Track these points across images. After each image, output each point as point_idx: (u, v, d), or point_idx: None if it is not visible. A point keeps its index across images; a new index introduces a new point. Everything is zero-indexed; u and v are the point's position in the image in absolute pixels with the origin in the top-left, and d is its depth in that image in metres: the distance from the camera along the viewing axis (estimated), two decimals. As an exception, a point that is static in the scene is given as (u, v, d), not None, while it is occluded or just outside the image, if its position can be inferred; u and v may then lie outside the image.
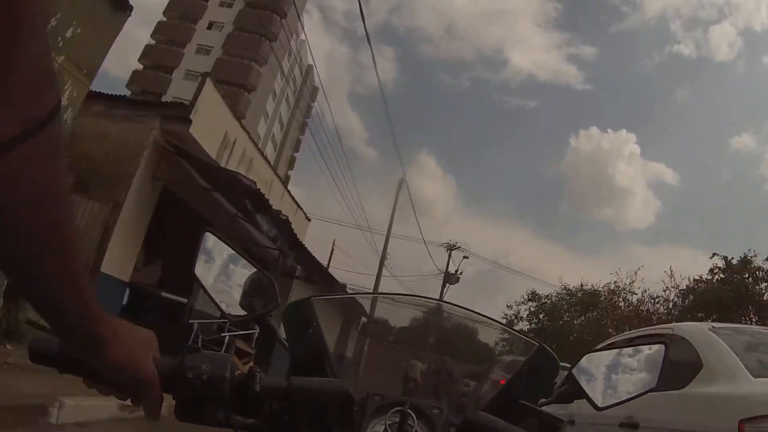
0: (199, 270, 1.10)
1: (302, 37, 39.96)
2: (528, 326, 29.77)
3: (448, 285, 31.75)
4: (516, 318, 30.76)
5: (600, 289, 28.32)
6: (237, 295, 1.13)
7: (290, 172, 55.48)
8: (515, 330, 1.30)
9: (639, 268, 28.43)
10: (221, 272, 1.14)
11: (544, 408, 1.09)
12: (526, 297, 31.57)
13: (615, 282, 27.52)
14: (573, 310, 29.31)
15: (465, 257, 32.49)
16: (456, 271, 32.10)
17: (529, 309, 31.16)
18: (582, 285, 29.37)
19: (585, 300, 28.42)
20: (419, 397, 1.00)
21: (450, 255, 32.47)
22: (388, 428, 0.92)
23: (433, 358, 1.37)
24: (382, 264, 26.97)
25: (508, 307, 32.03)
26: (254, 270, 1.15)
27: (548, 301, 30.77)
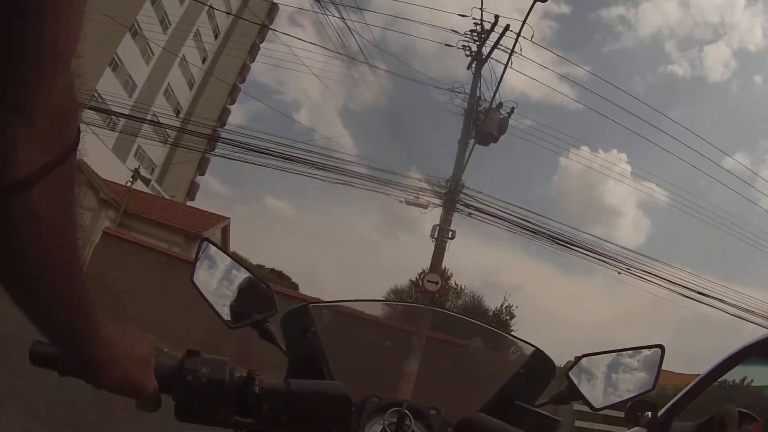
0: (198, 278, 1.12)
1: None
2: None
3: (474, 142, 13.12)
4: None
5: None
6: (235, 302, 1.14)
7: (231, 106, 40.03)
8: (512, 335, 1.32)
9: None
10: (219, 280, 1.15)
11: (540, 409, 1.09)
12: None
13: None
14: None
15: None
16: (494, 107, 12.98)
17: None
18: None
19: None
20: (416, 399, 1.01)
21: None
22: (386, 428, 0.92)
23: (430, 362, 1.38)
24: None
25: None
26: (252, 277, 1.16)
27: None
